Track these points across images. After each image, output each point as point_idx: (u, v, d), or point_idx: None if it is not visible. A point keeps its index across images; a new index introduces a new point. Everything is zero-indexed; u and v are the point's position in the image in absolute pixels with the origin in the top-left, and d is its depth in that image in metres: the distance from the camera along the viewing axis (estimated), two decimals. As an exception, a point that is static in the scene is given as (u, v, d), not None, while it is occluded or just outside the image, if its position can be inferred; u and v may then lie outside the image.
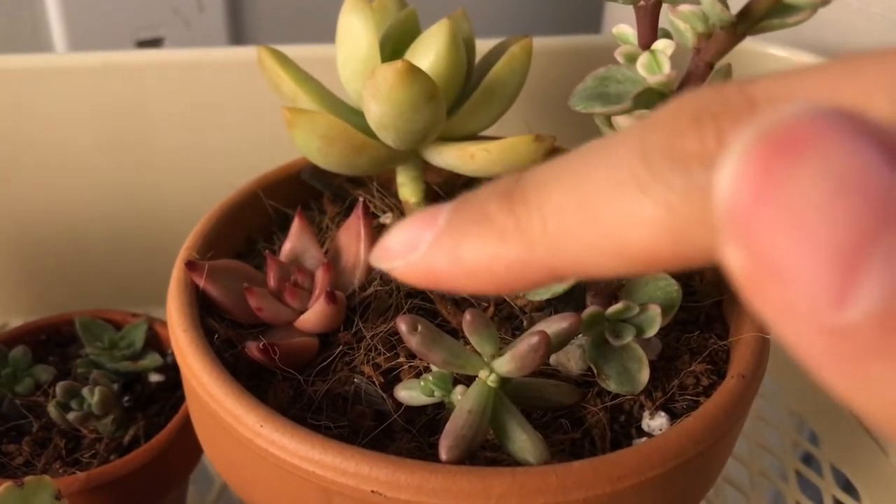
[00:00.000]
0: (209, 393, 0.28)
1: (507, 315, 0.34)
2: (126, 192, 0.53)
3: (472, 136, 0.38)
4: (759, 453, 0.50)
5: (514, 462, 0.28)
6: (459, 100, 0.37)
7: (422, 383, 0.29)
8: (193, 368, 0.29)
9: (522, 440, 0.28)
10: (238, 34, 0.74)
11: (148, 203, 0.54)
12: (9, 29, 0.66)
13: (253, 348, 0.30)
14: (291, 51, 0.39)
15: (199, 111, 0.51)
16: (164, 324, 0.43)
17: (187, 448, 0.37)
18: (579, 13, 0.83)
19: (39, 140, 0.50)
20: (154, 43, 0.70)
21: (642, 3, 0.30)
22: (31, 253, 0.53)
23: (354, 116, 0.36)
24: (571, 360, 0.31)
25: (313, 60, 0.40)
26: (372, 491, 0.26)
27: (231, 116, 0.52)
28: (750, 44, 0.54)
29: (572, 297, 0.33)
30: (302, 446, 0.26)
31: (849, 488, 0.48)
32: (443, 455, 0.26)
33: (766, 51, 0.53)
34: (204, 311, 0.33)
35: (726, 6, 0.24)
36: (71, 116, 0.50)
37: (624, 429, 0.31)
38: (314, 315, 0.32)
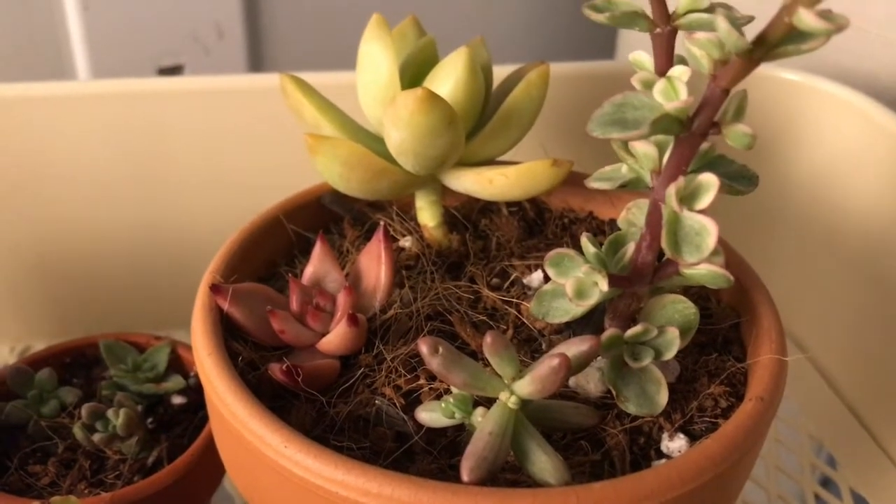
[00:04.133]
0: (234, 414, 0.29)
1: (525, 338, 0.35)
2: (148, 216, 0.54)
3: (491, 161, 0.39)
4: (777, 476, 0.50)
5: (534, 484, 0.28)
6: (478, 125, 0.38)
7: (442, 405, 0.30)
8: (218, 391, 0.29)
9: (543, 462, 0.28)
10: (257, 61, 0.75)
11: (169, 227, 0.54)
12: (34, 56, 0.68)
13: (276, 370, 0.30)
14: (311, 78, 0.40)
15: (219, 137, 0.52)
16: (186, 346, 0.43)
17: (209, 469, 0.37)
18: (594, 39, 0.84)
19: (63, 166, 0.51)
20: (174, 70, 0.71)
21: (658, 30, 0.31)
22: (55, 277, 0.54)
23: (374, 142, 0.37)
24: (591, 382, 0.32)
25: (333, 87, 0.41)
26: (394, 511, 0.26)
27: (251, 142, 0.53)
28: (766, 69, 0.54)
29: (591, 320, 0.34)
30: (325, 467, 0.27)
31: (868, 512, 0.48)
32: (464, 476, 0.26)
33: (782, 76, 0.54)
34: (227, 334, 0.33)
35: (742, 33, 0.24)
36: (93, 143, 0.51)
37: (643, 451, 0.31)
38: (336, 337, 0.32)
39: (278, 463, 0.27)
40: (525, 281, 0.37)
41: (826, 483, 0.51)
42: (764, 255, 0.37)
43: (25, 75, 0.68)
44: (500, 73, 0.40)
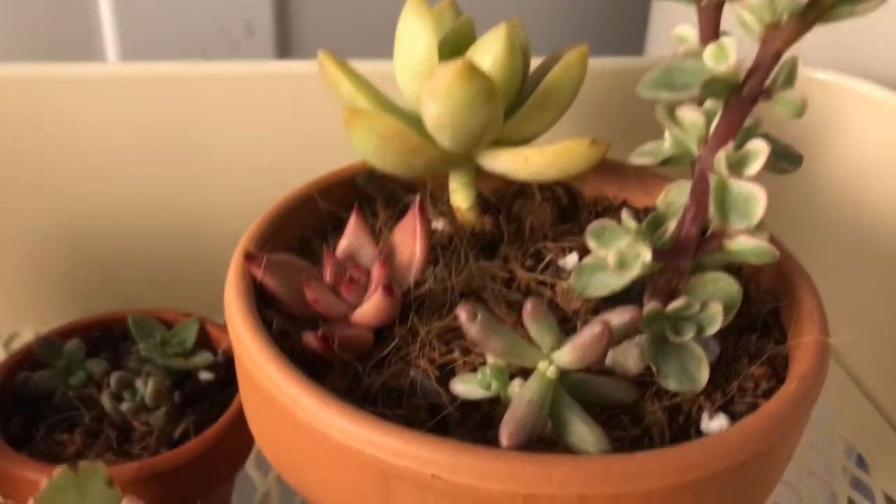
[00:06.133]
0: (266, 376, 0.28)
1: (560, 318, 0.34)
2: (174, 199, 0.54)
3: (526, 142, 0.38)
4: (809, 480, 0.49)
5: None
6: (515, 105, 0.37)
7: (479, 376, 0.29)
8: (251, 352, 0.29)
9: (583, 432, 0.27)
10: (285, 58, 0.75)
11: (195, 211, 0.54)
12: (66, 51, 0.68)
13: (311, 338, 0.30)
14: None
15: (245, 122, 0.52)
16: (214, 324, 0.43)
17: (237, 444, 0.37)
18: (621, 36, 0.84)
19: (91, 146, 0.52)
20: (204, 65, 0.71)
21: (705, 2, 0.31)
22: (80, 258, 0.54)
23: (410, 120, 0.37)
24: (629, 358, 0.31)
25: (367, 75, 0.41)
26: (432, 475, 0.25)
27: (276, 127, 0.53)
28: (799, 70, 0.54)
29: (629, 298, 0.33)
30: (362, 429, 0.26)
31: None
32: (503, 441, 0.26)
33: (815, 76, 0.53)
34: (260, 303, 0.33)
35: (797, -7, 0.24)
36: (121, 124, 0.51)
37: (683, 429, 0.30)
38: (371, 307, 0.32)
39: (312, 426, 0.27)
40: (560, 263, 0.37)
41: (859, 486, 0.50)
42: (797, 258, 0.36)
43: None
44: (532, 65, 0.39)
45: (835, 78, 0.53)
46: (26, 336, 0.54)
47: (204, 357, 0.40)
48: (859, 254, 0.54)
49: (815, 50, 0.25)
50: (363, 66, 0.49)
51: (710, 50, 0.26)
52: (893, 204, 0.51)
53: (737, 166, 0.27)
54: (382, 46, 0.40)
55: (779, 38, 0.26)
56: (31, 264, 0.53)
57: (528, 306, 0.28)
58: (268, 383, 0.28)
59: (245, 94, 0.52)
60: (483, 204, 0.41)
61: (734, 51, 0.26)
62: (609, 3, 0.83)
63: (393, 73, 0.38)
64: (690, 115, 0.28)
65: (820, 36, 0.27)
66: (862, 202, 0.53)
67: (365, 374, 0.31)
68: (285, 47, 0.75)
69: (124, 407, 0.35)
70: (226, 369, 0.40)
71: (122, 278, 0.55)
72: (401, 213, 0.40)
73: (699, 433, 0.30)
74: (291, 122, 0.52)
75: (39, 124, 0.50)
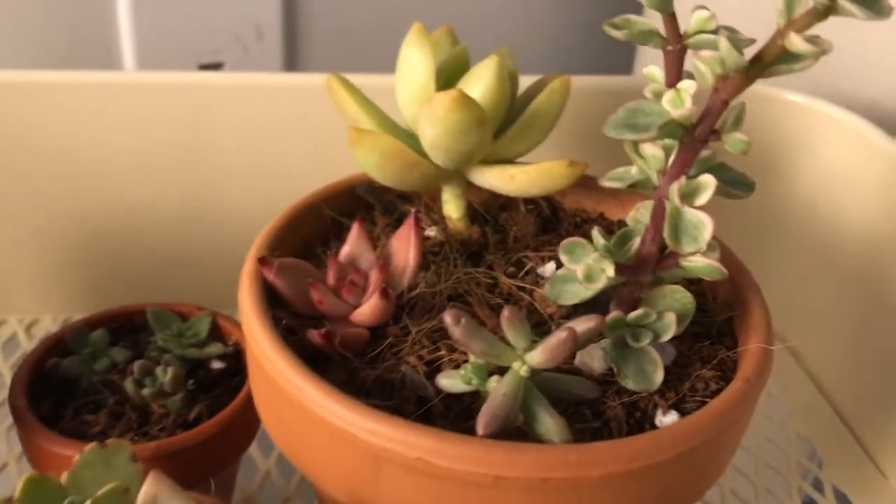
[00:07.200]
0: (277, 369, 0.32)
1: (536, 322, 0.38)
2: (187, 201, 0.58)
3: (512, 161, 0.42)
4: (765, 472, 0.53)
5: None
6: (503, 126, 0.41)
7: (461, 372, 0.33)
8: (264, 348, 0.33)
9: (549, 423, 0.31)
10: (292, 62, 0.79)
11: (205, 212, 0.58)
12: (84, 46, 0.72)
13: (315, 335, 0.34)
14: (350, 79, 0.43)
15: (255, 129, 0.56)
16: (224, 317, 0.47)
17: (245, 427, 0.41)
18: (612, 56, 0.87)
19: (111, 149, 0.55)
20: (215, 67, 0.75)
21: (670, 47, 0.35)
22: (97, 254, 0.58)
23: (408, 138, 0.41)
24: (594, 359, 0.35)
25: (366, 88, 0.45)
26: (417, 458, 0.29)
27: (282, 135, 0.57)
28: (771, 90, 0.58)
29: (597, 305, 0.37)
30: (358, 417, 0.30)
31: (849, 508, 0.51)
32: (479, 430, 0.30)
33: (786, 97, 0.57)
34: (269, 302, 0.37)
35: (741, 53, 0.28)
36: (140, 129, 0.55)
37: (639, 423, 0.34)
38: (368, 308, 0.36)
39: (316, 413, 0.31)
40: (539, 271, 0.41)
41: (812, 480, 0.54)
42: (763, 268, 0.40)
43: (76, 63, 0.72)
44: (524, 83, 0.43)
45: (803, 100, 0.57)
46: (45, 323, 0.58)
47: (216, 348, 0.44)
48: (821, 265, 0.58)
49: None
50: (364, 80, 0.53)
51: (668, 96, 0.30)
52: (855, 217, 0.55)
53: (688, 197, 0.31)
54: (385, 49, 0.43)
55: (727, 88, 0.30)
56: (51, 256, 0.57)
57: (506, 313, 0.32)
58: (278, 375, 0.32)
59: (255, 104, 0.55)
60: (472, 214, 0.45)
61: (689, 98, 0.30)
62: (599, 22, 0.86)
63: (390, 87, 0.42)
64: (651, 150, 0.32)
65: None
66: (826, 215, 0.58)
67: (361, 369, 0.35)
68: (292, 52, 0.79)
69: (145, 392, 0.39)
70: (235, 359, 0.45)
71: (135, 272, 0.59)
72: (397, 221, 0.44)
73: (653, 427, 0.34)
74: (298, 130, 0.56)
75: (62, 126, 0.54)
